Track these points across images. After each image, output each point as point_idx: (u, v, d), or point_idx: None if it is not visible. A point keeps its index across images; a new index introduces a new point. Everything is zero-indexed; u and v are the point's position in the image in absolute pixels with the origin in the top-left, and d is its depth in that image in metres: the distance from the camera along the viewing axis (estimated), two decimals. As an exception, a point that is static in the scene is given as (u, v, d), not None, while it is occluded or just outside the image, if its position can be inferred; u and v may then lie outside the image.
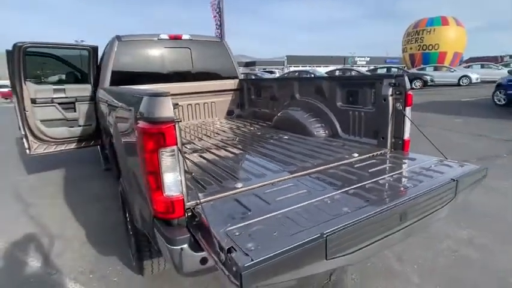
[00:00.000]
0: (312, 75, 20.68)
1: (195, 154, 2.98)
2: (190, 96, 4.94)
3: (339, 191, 1.90)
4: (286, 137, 3.51)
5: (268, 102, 4.76)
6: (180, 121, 1.63)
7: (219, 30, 22.10)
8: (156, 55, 4.70)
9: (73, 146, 5.06)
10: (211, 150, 3.11)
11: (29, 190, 4.96)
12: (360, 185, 1.98)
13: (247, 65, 57.15)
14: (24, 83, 4.84)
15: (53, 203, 4.37)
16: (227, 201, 1.82)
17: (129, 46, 4.47)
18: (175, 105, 1.59)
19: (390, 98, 2.71)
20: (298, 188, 1.97)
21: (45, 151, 4.83)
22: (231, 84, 5.30)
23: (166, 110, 1.55)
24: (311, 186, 2.00)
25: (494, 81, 13.15)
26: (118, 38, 4.41)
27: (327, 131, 3.47)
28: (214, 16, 21.82)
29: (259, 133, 3.95)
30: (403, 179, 2.10)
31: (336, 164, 2.44)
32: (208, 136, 3.93)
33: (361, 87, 3.06)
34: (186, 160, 1.71)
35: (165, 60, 4.75)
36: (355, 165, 2.39)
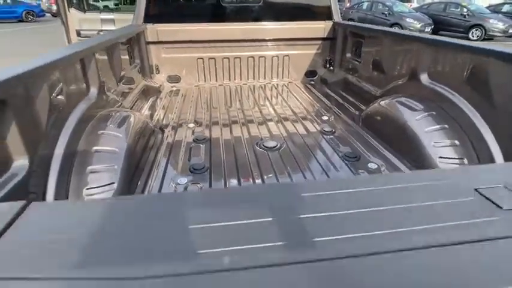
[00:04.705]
0: (465, 10, 15.23)
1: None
2: (252, 44, 3.39)
3: None
4: (375, 166, 1.82)
5: (369, 70, 2.88)
6: None
7: None
8: None
9: None
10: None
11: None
12: None
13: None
14: (68, 9, 4.05)
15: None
16: None
17: None
18: None
19: None
20: None
21: None
22: (320, 29, 3.47)
23: None
24: None
25: None
26: None
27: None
28: None
29: (337, 133, 2.28)
30: None
31: None
32: (245, 113, 2.54)
33: None
34: None
35: None
36: None
